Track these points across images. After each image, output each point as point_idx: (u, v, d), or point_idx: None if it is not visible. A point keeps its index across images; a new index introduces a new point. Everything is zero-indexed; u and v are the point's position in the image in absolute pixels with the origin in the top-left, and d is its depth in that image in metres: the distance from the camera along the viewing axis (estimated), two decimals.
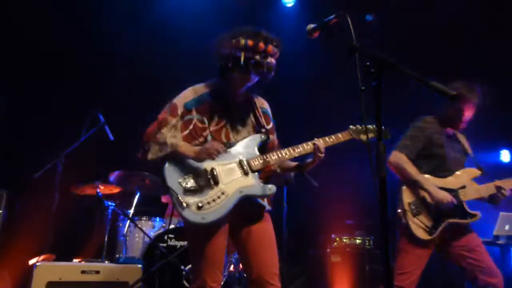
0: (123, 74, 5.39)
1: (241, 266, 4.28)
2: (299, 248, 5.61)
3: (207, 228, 2.26)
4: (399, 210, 3.11)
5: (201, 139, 2.41)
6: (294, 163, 2.61)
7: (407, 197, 3.11)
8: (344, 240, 5.38)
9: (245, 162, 2.39)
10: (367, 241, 5.41)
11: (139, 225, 4.40)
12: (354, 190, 5.54)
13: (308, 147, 2.49)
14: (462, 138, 3.33)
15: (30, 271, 3.50)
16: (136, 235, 4.61)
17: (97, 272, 3.62)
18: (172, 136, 2.34)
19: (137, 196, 4.70)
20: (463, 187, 3.12)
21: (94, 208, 5.24)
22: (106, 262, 3.98)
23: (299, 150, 2.48)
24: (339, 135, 2.59)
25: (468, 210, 3.09)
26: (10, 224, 4.60)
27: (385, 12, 5.79)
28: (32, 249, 4.31)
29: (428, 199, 3.06)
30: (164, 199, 5.15)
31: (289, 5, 5.98)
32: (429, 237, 3.02)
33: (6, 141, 4.97)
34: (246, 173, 2.37)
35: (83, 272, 3.57)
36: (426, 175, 3.14)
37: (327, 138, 2.55)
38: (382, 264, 1.64)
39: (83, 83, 5.35)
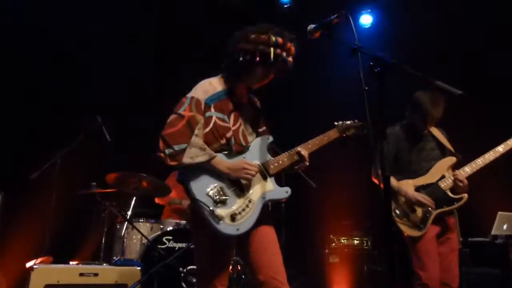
0: (121, 75, 5.36)
1: (239, 267, 4.27)
2: (297, 249, 5.60)
3: (234, 236, 2.22)
4: None
5: (223, 141, 2.32)
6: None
7: (392, 204, 3.28)
8: (342, 241, 5.39)
9: (262, 167, 2.37)
10: (365, 241, 5.42)
11: (136, 227, 4.37)
12: (352, 191, 5.54)
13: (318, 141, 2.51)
14: (438, 133, 3.44)
15: (26, 273, 3.46)
16: (134, 237, 4.58)
17: (96, 274, 3.58)
18: (204, 143, 2.25)
19: (134, 198, 4.66)
20: (442, 177, 3.27)
21: (91, 209, 5.20)
22: (105, 264, 3.95)
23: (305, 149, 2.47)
24: (330, 133, 2.59)
25: (453, 196, 3.22)
26: (6, 226, 4.55)
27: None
28: (28, 251, 4.27)
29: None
30: (157, 200, 5.12)
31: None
32: (419, 233, 3.18)
33: (2, 141, 4.93)
34: (265, 178, 2.36)
35: (81, 274, 3.54)
36: (408, 180, 3.31)
37: (322, 136, 2.55)
38: (382, 264, 1.64)
39: (80, 83, 5.32)
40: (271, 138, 2.49)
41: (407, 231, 3.20)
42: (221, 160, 2.27)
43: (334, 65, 5.36)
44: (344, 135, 2.63)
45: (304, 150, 2.45)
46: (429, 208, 3.19)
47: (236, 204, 2.23)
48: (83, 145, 4.27)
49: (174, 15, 5.64)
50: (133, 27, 5.51)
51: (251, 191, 2.29)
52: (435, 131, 3.45)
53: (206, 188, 2.21)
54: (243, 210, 2.23)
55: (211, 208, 2.16)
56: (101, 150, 4.54)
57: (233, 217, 2.18)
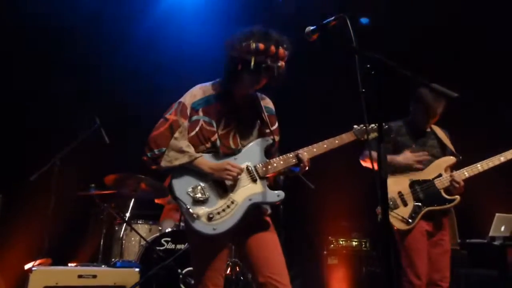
0: (121, 76, 5.37)
1: (238, 269, 4.28)
2: (295, 250, 5.60)
3: (212, 236, 2.21)
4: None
5: (208, 145, 2.33)
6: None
7: None
8: (341, 242, 5.39)
9: (252, 169, 2.34)
10: (363, 243, 5.42)
11: (135, 229, 4.37)
12: (350, 192, 5.54)
13: (315, 149, 2.42)
14: (441, 133, 3.46)
15: (25, 275, 3.46)
16: (132, 238, 4.58)
17: (94, 276, 3.58)
18: (187, 145, 2.28)
19: (133, 199, 4.67)
20: (439, 175, 3.28)
21: (90, 211, 5.20)
22: (103, 266, 3.95)
23: (303, 153, 2.39)
24: (344, 136, 2.49)
25: (446, 196, 3.23)
26: (5, 227, 4.55)
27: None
28: (27, 253, 4.27)
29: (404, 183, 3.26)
30: (157, 200, 5.12)
31: None
32: (407, 227, 3.20)
33: (2, 143, 4.93)
34: (254, 180, 2.32)
35: (80, 276, 3.54)
36: (405, 175, 3.31)
37: (332, 140, 2.45)
38: (379, 266, 1.64)
39: (79, 85, 5.33)
40: (270, 140, 2.43)
41: (396, 223, 3.21)
42: (205, 161, 2.29)
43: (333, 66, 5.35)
44: (362, 139, 2.49)
45: (304, 153, 2.38)
46: (419, 204, 3.21)
47: (216, 204, 2.24)
48: (82, 147, 4.27)
49: (177, 16, 5.66)
50: (134, 28, 5.52)
51: (235, 193, 2.28)
52: (438, 131, 3.47)
53: (187, 187, 2.25)
54: (223, 210, 2.23)
55: (187, 206, 2.20)
56: (100, 152, 4.54)
57: (210, 217, 2.19)
